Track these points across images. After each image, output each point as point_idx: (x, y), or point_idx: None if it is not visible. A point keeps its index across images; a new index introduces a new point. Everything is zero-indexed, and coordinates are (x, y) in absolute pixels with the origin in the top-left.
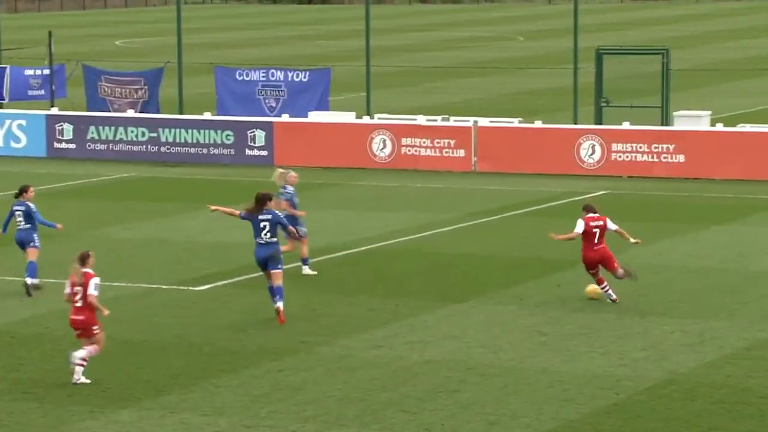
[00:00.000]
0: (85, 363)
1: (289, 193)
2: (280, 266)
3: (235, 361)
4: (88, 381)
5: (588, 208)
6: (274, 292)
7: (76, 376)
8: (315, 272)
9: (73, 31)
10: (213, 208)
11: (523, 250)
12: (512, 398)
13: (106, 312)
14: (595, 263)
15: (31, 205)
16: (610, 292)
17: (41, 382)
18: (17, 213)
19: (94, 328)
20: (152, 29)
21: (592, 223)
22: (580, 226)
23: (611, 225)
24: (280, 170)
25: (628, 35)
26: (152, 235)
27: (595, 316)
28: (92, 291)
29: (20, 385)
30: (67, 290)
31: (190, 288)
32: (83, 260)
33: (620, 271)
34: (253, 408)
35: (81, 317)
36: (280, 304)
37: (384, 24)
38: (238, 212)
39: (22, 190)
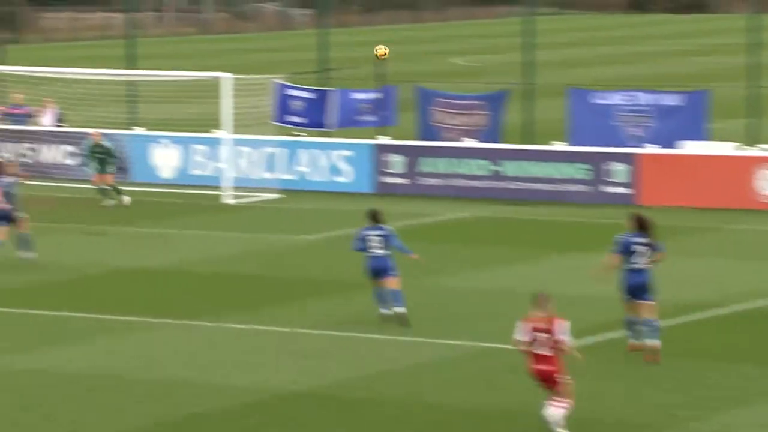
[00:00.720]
0: (564, 409)
1: None
2: (652, 297)
3: None
4: None
5: None
6: (634, 325)
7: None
8: None
9: (407, 47)
10: (596, 273)
11: None
12: None
13: (580, 356)
14: None
15: (389, 228)
16: None
17: None
18: (371, 238)
19: (562, 377)
20: (495, 45)
21: None
22: None
23: None
24: None
25: None
26: (492, 285)
27: None
28: (565, 337)
29: None
30: (524, 337)
31: None
32: (543, 303)
33: None
34: None
35: (548, 367)
36: (654, 342)
37: None
38: (614, 260)
39: (375, 214)
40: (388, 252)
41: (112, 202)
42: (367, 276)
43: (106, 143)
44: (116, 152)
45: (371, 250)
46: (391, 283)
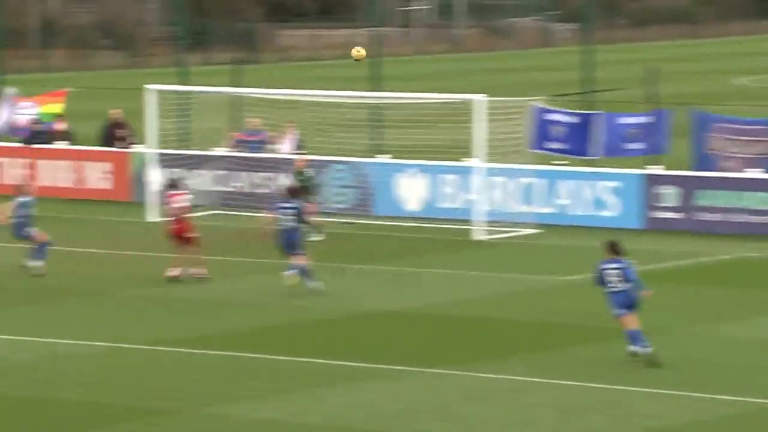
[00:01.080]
0: None
1: None
2: None
3: None
4: None
5: None
6: None
7: None
8: None
9: (682, 65)
10: None
11: None
12: None
13: None
14: None
15: (627, 261)
16: None
17: None
18: (609, 272)
19: None
20: None
21: None
22: None
23: None
24: None
25: None
26: None
27: None
28: None
29: None
30: None
31: None
32: None
33: None
34: None
35: None
36: None
37: None
38: None
39: (614, 246)
40: (629, 286)
41: (317, 237)
42: (612, 314)
43: (309, 172)
44: (317, 183)
45: (611, 286)
46: (631, 321)
